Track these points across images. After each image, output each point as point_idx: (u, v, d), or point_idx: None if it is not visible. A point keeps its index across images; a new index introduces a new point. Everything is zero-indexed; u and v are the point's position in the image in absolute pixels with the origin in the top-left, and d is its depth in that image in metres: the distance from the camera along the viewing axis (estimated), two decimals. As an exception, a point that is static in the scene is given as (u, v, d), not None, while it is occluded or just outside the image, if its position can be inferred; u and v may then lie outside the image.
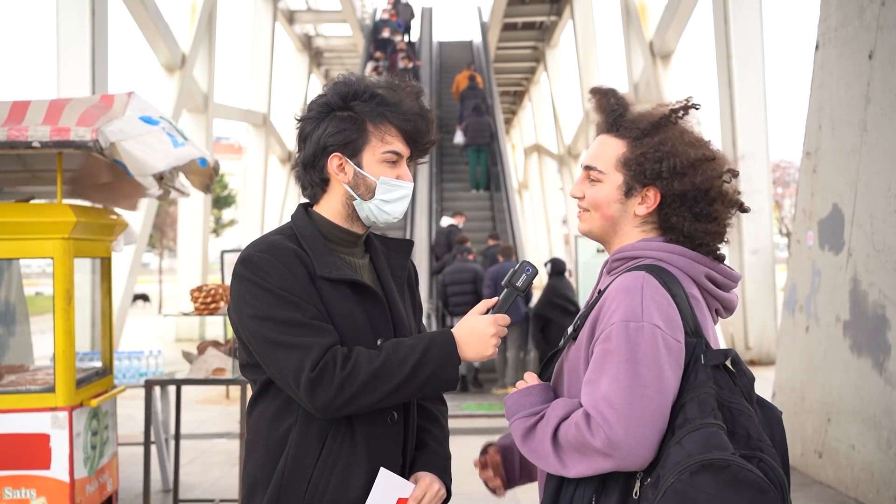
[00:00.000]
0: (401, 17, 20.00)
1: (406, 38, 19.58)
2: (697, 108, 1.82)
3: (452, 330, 1.83)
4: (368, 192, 1.88)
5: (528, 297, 9.24)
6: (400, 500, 1.85)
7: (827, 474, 5.69)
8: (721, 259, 1.78)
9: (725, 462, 1.50)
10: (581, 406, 1.65)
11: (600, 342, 1.65)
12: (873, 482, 5.15)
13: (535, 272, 1.86)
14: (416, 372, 1.75)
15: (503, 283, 1.87)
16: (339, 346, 1.76)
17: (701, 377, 1.61)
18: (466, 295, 9.87)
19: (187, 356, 5.51)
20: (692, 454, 1.52)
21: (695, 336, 1.66)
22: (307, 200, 1.99)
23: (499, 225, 14.39)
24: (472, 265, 10.23)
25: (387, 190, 1.89)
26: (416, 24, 21.68)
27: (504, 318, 1.84)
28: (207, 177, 5.22)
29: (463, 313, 9.64)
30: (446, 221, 12.41)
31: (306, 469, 1.81)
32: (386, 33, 18.94)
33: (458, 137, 15.43)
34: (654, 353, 1.60)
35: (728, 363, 1.66)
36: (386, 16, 20.26)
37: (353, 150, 1.87)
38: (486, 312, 1.85)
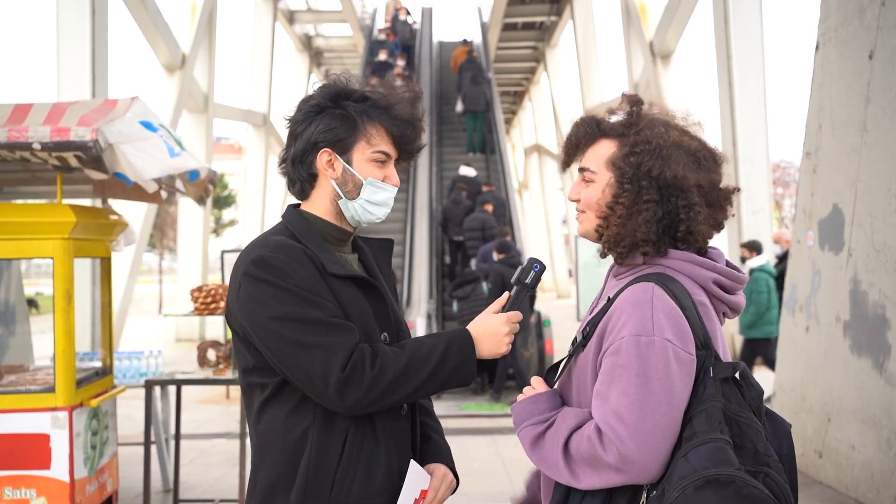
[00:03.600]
0: (399, 37, 18.84)
1: (404, 63, 18.05)
2: (641, 102, 1.81)
3: (469, 328, 1.87)
4: (355, 190, 1.92)
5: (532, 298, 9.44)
6: (422, 491, 1.92)
7: (827, 474, 5.69)
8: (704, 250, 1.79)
9: (730, 478, 1.51)
10: (592, 417, 1.65)
11: (609, 355, 1.65)
12: (873, 482, 5.15)
13: (544, 268, 1.89)
14: (438, 370, 1.80)
15: (513, 280, 1.90)
16: (365, 345, 1.79)
17: (710, 390, 1.61)
18: (476, 241, 11.67)
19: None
20: (697, 469, 1.52)
21: (704, 348, 1.66)
22: (296, 200, 2.01)
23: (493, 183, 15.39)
24: (482, 215, 11.97)
25: (373, 191, 1.93)
26: (417, 23, 21.27)
27: (516, 315, 1.88)
28: (202, 188, 5.23)
29: (474, 255, 10.28)
30: (464, 170, 13.92)
31: (330, 467, 1.81)
32: (383, 56, 17.69)
33: (459, 107, 16.71)
34: (664, 367, 1.60)
35: (737, 376, 1.66)
36: (382, 36, 18.66)
37: (343, 147, 1.91)
38: (500, 311, 1.89)
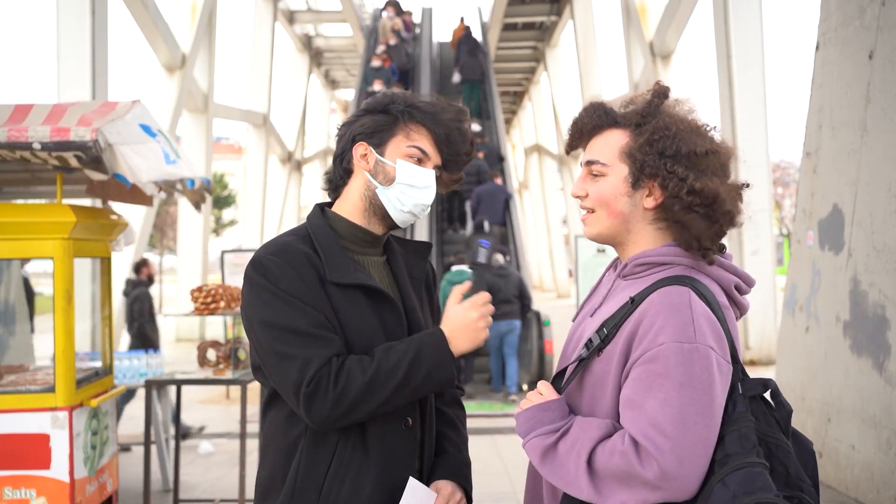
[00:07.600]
0: (395, 62, 17.93)
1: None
2: (666, 96, 1.69)
3: (441, 326, 1.80)
4: (387, 180, 1.86)
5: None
6: None
7: (827, 474, 5.69)
8: (722, 249, 1.68)
9: None
10: (619, 429, 1.54)
11: (645, 363, 1.51)
12: (873, 482, 5.15)
13: (490, 244, 1.85)
14: (410, 376, 1.73)
15: (468, 265, 1.86)
16: (335, 358, 1.73)
17: (739, 408, 1.51)
18: (471, 184, 12.82)
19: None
20: (737, 495, 1.43)
21: (734, 361, 1.54)
22: (327, 200, 1.98)
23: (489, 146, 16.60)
24: (476, 161, 13.03)
25: (410, 175, 1.85)
26: (416, 18, 21.16)
27: (483, 296, 1.80)
28: (199, 195, 5.25)
29: (468, 198, 11.96)
30: (477, 128, 14.97)
31: (318, 477, 1.78)
32: (378, 85, 16.17)
33: (457, 77, 18.03)
34: (708, 377, 1.48)
35: (767, 394, 1.57)
36: (378, 63, 17.36)
37: (378, 140, 1.87)
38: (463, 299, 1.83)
